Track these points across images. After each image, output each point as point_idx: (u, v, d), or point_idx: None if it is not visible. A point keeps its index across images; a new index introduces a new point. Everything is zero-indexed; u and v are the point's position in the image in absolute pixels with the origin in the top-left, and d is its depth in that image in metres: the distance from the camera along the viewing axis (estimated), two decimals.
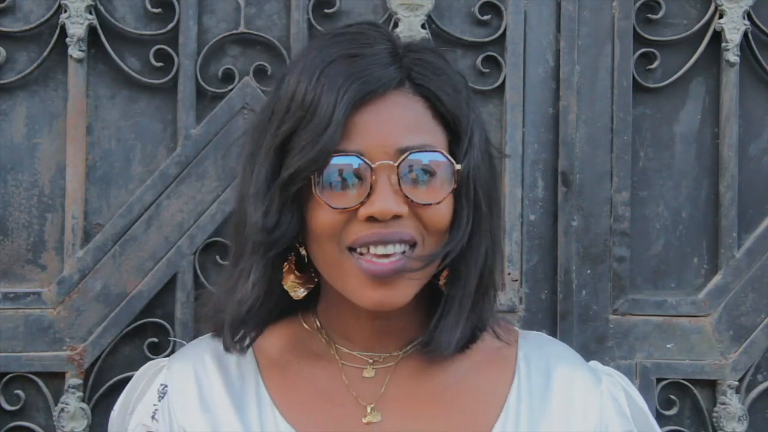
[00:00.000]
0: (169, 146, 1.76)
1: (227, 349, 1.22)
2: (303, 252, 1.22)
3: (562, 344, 1.36)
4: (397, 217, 1.12)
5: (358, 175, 1.12)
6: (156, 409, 1.27)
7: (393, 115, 1.15)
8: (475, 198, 1.19)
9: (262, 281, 1.18)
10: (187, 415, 1.23)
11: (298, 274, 1.24)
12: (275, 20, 1.78)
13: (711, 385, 1.80)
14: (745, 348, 1.79)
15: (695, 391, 1.80)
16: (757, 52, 1.82)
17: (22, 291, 1.72)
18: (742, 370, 1.79)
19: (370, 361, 1.24)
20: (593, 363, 1.34)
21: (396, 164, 1.12)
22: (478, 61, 1.79)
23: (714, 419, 1.79)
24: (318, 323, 1.28)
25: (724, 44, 1.80)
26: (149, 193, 1.73)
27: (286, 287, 1.23)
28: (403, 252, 1.14)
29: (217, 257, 1.74)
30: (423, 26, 1.76)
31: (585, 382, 1.26)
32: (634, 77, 1.79)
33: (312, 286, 1.25)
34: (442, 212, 1.16)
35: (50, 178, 1.75)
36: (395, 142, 1.13)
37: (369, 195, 1.12)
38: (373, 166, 1.12)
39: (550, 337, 1.37)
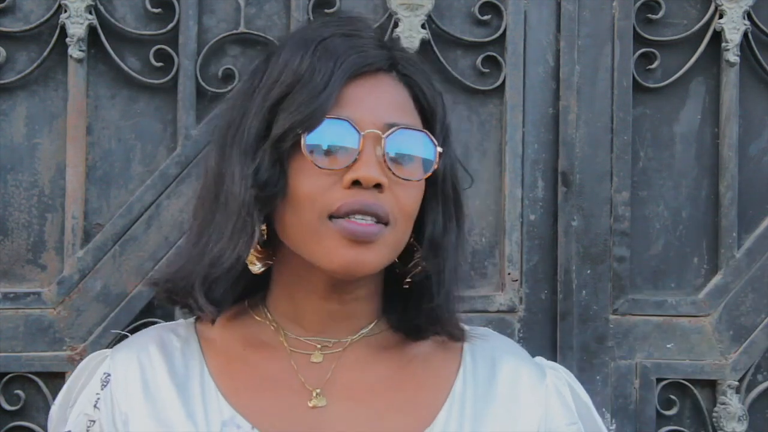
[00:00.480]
0: (169, 146, 1.76)
1: (201, 310, 1.21)
2: (264, 229, 1.22)
3: (507, 339, 1.37)
4: (378, 187, 1.14)
5: (347, 140, 1.15)
6: (98, 398, 1.26)
7: (383, 92, 1.19)
8: (452, 190, 1.25)
9: (244, 241, 1.18)
10: (130, 402, 1.23)
11: (260, 249, 1.24)
12: (275, 20, 1.79)
13: (711, 385, 1.80)
14: (745, 348, 1.79)
15: (695, 391, 1.80)
16: (757, 52, 1.82)
17: (22, 291, 1.72)
18: (742, 370, 1.79)
19: (319, 346, 1.24)
20: (538, 358, 1.35)
21: (384, 135, 1.15)
22: (478, 61, 1.79)
23: (714, 419, 1.79)
24: (267, 310, 1.28)
25: (724, 44, 1.80)
26: (149, 193, 1.73)
27: (246, 260, 1.22)
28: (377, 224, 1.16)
29: None
30: (423, 26, 1.76)
31: (530, 376, 1.28)
32: (634, 77, 1.79)
33: (270, 263, 1.26)
34: (415, 194, 1.19)
35: (50, 178, 1.75)
36: (385, 116, 1.17)
37: (356, 161, 1.14)
38: (362, 133, 1.15)
39: (496, 332, 1.38)
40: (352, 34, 1.21)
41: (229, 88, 1.75)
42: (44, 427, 1.71)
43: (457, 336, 1.27)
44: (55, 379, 1.71)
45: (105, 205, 1.76)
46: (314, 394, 1.21)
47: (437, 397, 1.23)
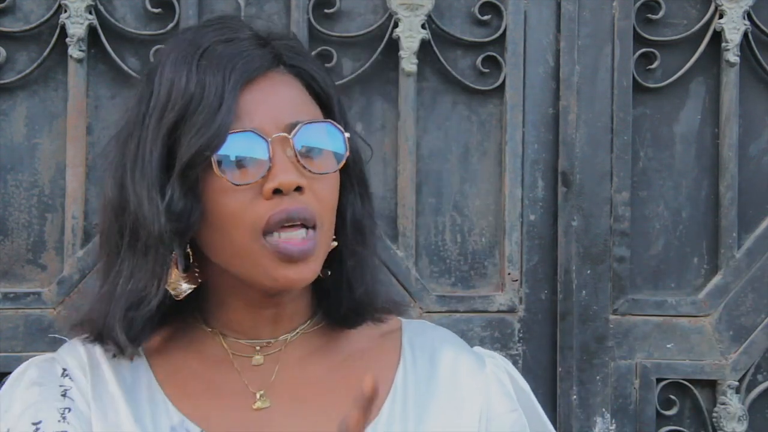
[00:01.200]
0: None
1: (121, 351, 1.20)
2: (188, 250, 1.21)
3: (445, 330, 1.37)
4: (299, 189, 1.14)
5: (256, 150, 1.14)
6: (66, 389, 1.23)
7: (278, 92, 1.18)
8: (360, 173, 1.26)
9: (167, 275, 1.17)
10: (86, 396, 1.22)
11: (182, 273, 1.21)
12: (275, 20, 1.78)
13: (711, 385, 1.80)
14: (745, 348, 1.79)
15: (695, 391, 1.80)
16: (757, 52, 1.82)
17: (22, 291, 1.72)
18: (742, 370, 1.79)
19: (258, 348, 1.24)
20: (476, 348, 1.36)
21: (290, 136, 1.14)
22: (478, 61, 1.79)
23: (714, 419, 1.79)
24: (201, 317, 1.27)
25: (724, 44, 1.80)
26: None
27: (166, 286, 1.20)
28: (306, 234, 1.16)
29: None
30: (423, 26, 1.76)
31: (470, 365, 1.28)
32: (634, 77, 1.79)
33: (195, 285, 1.23)
34: (333, 185, 1.19)
35: (50, 178, 1.75)
36: (285, 116, 1.16)
37: (270, 169, 1.13)
38: (268, 139, 1.13)
39: (433, 324, 1.39)
40: (231, 38, 1.18)
41: None
42: None
43: (387, 319, 1.29)
44: None
45: None
46: (258, 396, 1.22)
47: (379, 390, 1.24)
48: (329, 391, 1.23)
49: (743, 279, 1.80)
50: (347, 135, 1.20)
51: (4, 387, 1.28)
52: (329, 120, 1.20)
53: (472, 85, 1.79)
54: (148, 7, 1.75)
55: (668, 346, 1.78)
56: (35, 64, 1.74)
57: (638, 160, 1.82)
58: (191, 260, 1.21)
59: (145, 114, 1.18)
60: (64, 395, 1.24)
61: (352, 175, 1.24)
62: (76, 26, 1.72)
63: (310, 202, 1.15)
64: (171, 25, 1.74)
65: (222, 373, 1.24)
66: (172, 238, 1.16)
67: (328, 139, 1.18)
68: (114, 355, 1.23)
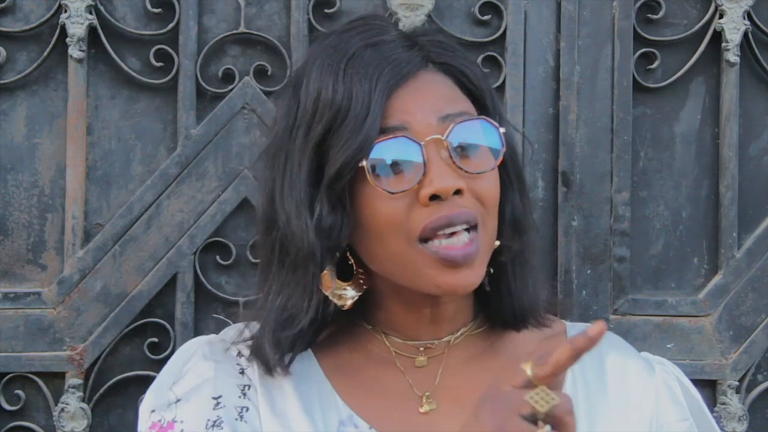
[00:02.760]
0: (169, 146, 1.76)
1: (269, 371, 1.19)
2: (350, 259, 1.19)
3: (612, 334, 1.33)
4: (458, 192, 1.10)
5: (410, 154, 1.10)
6: (246, 386, 1.22)
7: (429, 91, 1.14)
8: (516, 168, 1.21)
9: (309, 295, 1.15)
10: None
11: (341, 282, 1.20)
12: (275, 20, 1.78)
13: (711, 385, 1.80)
14: (745, 348, 1.79)
15: None
16: (757, 52, 1.82)
17: (22, 291, 1.72)
18: (742, 370, 1.79)
19: (422, 348, 1.22)
20: (644, 353, 1.32)
21: (444, 138, 1.10)
22: (479, 60, 1.78)
23: (714, 419, 1.79)
24: (364, 316, 1.26)
25: (724, 44, 1.80)
26: (149, 193, 1.73)
27: (329, 296, 1.19)
28: (468, 234, 1.11)
29: (218, 257, 1.74)
30: (423, 26, 1.76)
31: (639, 371, 1.25)
32: (634, 77, 1.79)
33: (361, 293, 1.21)
34: (493, 182, 1.15)
35: (50, 178, 1.75)
36: (437, 112, 1.13)
37: (425, 174, 1.10)
38: (422, 143, 1.10)
39: None
40: (377, 42, 1.15)
41: (230, 88, 1.75)
42: (44, 427, 1.72)
43: (551, 325, 1.25)
44: (55, 379, 1.71)
45: (105, 205, 1.76)
46: (424, 399, 1.19)
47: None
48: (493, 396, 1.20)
49: (743, 279, 1.80)
50: (503, 130, 1.16)
51: (170, 361, 1.27)
52: (482, 116, 1.16)
53: None
54: (149, 7, 1.75)
55: (668, 346, 1.78)
56: (35, 64, 1.74)
57: (638, 160, 1.81)
58: (354, 268, 1.19)
59: (293, 127, 1.15)
60: (242, 373, 1.22)
61: (510, 171, 1.20)
62: (77, 26, 1.72)
63: (471, 204, 1.12)
64: (171, 25, 1.74)
65: (386, 372, 1.22)
66: (323, 255, 1.13)
67: (483, 135, 1.14)
68: (266, 373, 1.20)
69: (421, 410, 1.19)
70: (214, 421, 1.17)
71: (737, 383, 1.79)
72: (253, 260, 1.72)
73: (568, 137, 1.77)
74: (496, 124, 1.15)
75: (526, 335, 1.25)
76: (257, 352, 1.20)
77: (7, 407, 1.71)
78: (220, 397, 1.19)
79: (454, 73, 1.18)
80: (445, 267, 1.10)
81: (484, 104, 1.19)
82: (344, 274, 1.21)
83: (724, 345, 1.79)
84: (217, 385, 1.20)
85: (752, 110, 1.84)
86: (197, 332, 1.72)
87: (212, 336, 1.31)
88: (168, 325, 1.73)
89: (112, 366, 1.73)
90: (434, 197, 1.09)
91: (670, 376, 1.28)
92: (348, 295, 1.20)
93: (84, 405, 1.70)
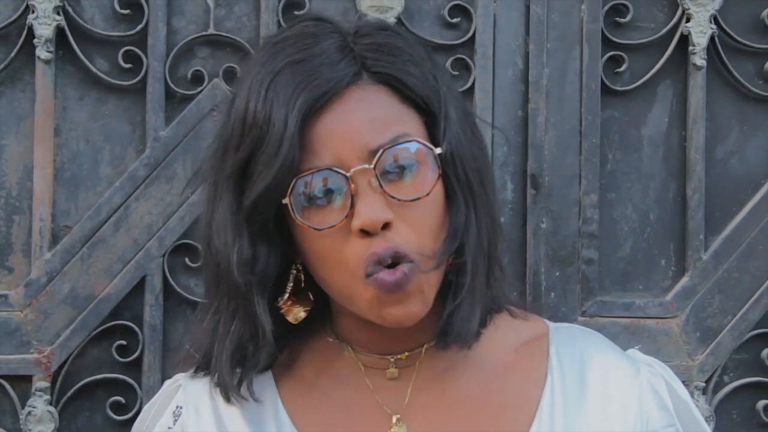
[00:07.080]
0: (138, 148, 1.76)
1: (227, 398, 1.14)
2: (300, 276, 1.13)
3: (596, 335, 1.27)
4: (387, 225, 1.03)
5: (335, 186, 1.04)
6: None
7: (355, 114, 1.05)
8: (466, 178, 1.09)
9: (253, 325, 1.10)
10: None
11: (294, 299, 1.14)
12: (245, 22, 1.78)
13: None
14: (711, 349, 1.80)
15: None
16: (723, 55, 1.83)
17: None
18: (709, 371, 1.80)
19: (392, 360, 1.16)
20: (632, 351, 1.26)
21: (372, 166, 1.03)
22: (448, 63, 1.79)
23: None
24: (331, 329, 1.20)
25: (691, 48, 1.81)
26: (118, 195, 1.73)
27: (283, 312, 1.14)
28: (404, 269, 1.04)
29: (186, 259, 1.73)
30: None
31: (623, 375, 1.18)
32: (602, 80, 1.80)
33: (309, 308, 1.16)
34: (431, 207, 1.06)
35: (17, 180, 1.74)
36: (365, 143, 1.04)
37: (353, 205, 1.03)
38: (348, 174, 1.03)
39: (584, 327, 1.29)
40: (303, 58, 1.06)
41: (199, 89, 1.74)
42: (10, 431, 1.70)
43: (523, 317, 1.21)
44: (23, 382, 1.70)
45: (73, 207, 1.75)
46: (394, 420, 1.13)
47: (523, 413, 1.13)
48: (469, 413, 1.13)
49: (710, 281, 1.81)
50: (438, 151, 1.06)
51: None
52: (414, 138, 1.05)
53: None
54: (117, 8, 1.74)
55: (636, 347, 1.77)
56: (2, 66, 1.73)
57: (606, 163, 1.82)
58: (302, 285, 1.13)
59: (226, 146, 1.09)
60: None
61: (458, 184, 1.09)
62: (44, 27, 1.71)
63: (402, 237, 1.03)
64: (140, 27, 1.73)
65: (353, 390, 1.16)
66: (249, 290, 1.07)
67: (416, 159, 1.05)
68: (225, 401, 1.16)
69: None
70: None
71: (704, 384, 1.80)
72: None
73: (537, 140, 1.78)
74: (431, 146, 1.06)
75: (505, 340, 1.19)
76: (214, 380, 1.16)
77: None
78: None
79: (391, 82, 1.08)
80: (387, 299, 1.05)
81: (431, 110, 1.09)
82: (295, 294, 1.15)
83: (691, 346, 1.80)
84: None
85: (719, 113, 1.85)
86: (166, 334, 1.71)
87: (177, 384, 1.25)
88: (137, 328, 1.72)
89: (80, 369, 1.72)
90: (364, 231, 1.03)
91: (657, 378, 1.21)
92: (298, 314, 1.15)
93: (51, 408, 1.69)
